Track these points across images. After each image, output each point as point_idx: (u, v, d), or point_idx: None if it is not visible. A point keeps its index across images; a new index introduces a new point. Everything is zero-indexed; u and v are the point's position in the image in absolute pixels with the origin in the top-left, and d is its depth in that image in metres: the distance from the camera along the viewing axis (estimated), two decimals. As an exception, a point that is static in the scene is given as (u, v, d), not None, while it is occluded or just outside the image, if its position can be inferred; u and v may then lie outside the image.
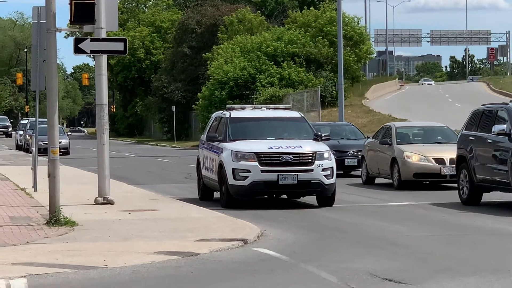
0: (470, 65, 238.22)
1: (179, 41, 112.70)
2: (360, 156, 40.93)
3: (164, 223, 23.53)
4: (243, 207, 28.07)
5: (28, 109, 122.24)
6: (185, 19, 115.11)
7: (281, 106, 35.63)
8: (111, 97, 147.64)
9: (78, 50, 25.43)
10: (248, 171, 28.14)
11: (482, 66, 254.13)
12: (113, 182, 31.30)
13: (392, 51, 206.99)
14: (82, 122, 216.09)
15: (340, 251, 19.52)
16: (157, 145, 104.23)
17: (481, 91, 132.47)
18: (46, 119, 26.38)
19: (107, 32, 28.70)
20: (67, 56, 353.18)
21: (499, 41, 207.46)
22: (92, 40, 26.18)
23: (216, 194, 30.79)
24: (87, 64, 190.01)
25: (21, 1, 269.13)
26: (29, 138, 71.07)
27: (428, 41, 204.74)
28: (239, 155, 28.46)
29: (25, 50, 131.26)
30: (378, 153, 37.65)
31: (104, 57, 29.29)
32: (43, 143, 41.65)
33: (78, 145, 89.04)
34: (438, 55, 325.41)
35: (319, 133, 30.60)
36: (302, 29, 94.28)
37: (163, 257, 18.32)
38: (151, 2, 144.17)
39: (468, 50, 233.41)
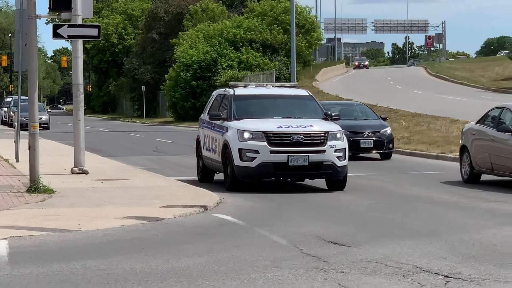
0: (410, 51, 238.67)
1: (149, 28, 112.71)
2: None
3: (133, 191, 23.50)
4: (247, 190, 24.53)
5: (12, 88, 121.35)
6: (154, 8, 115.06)
7: (287, 84, 29.95)
8: (87, 78, 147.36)
9: (56, 35, 25.33)
10: (256, 151, 24.07)
11: (420, 52, 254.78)
12: (88, 154, 31.22)
13: (340, 38, 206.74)
14: (61, 100, 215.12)
15: (291, 218, 19.52)
16: (128, 121, 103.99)
17: (419, 74, 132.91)
18: (27, 97, 26.23)
19: (83, 19, 28.63)
20: (48, 41, 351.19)
21: (435, 30, 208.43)
22: (69, 26, 26.07)
23: (217, 176, 27.04)
24: (66, 48, 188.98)
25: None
26: (12, 114, 70.88)
27: (372, 30, 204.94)
28: (246, 134, 24.34)
29: (9, 35, 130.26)
30: (494, 143, 25.93)
31: (80, 42, 29.28)
32: (25, 119, 41.32)
33: (57, 121, 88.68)
34: (382, 42, 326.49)
35: (329, 112, 26.75)
36: (259, 17, 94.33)
37: (131, 222, 18.30)
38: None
39: (408, 38, 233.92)
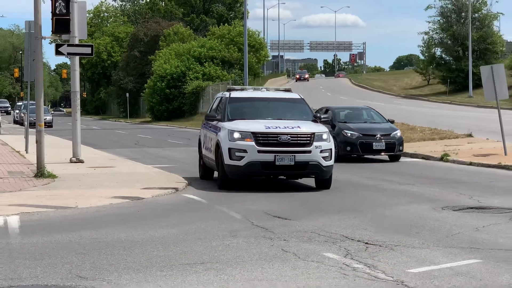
0: (337, 66, 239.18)
1: (132, 47, 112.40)
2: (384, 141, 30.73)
3: (119, 176, 23.40)
4: (239, 188, 21.05)
5: (23, 95, 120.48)
6: (136, 31, 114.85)
7: (282, 87, 25.46)
8: (82, 86, 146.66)
9: (58, 53, 25.22)
10: (245, 151, 20.68)
11: (346, 67, 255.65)
12: (83, 147, 31.06)
13: (282, 55, 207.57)
14: (62, 104, 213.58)
15: (245, 198, 19.51)
16: (115, 121, 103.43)
17: (345, 84, 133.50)
18: (35, 102, 26.10)
19: (79, 40, 28.55)
20: (51, 57, 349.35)
21: (358, 49, 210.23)
22: (68, 45, 25.95)
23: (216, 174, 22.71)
24: (66, 63, 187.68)
25: (17, 16, 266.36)
26: (23, 115, 70.37)
27: (308, 49, 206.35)
28: (236, 134, 20.91)
29: (20, 52, 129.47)
30: None
31: (77, 58, 29.19)
32: (33, 119, 41.01)
33: (59, 121, 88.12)
34: (315, 59, 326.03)
35: (318, 115, 23.31)
36: (219, 39, 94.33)
37: (118, 200, 18.24)
38: (111, 19, 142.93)
39: (336, 55, 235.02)
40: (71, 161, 28.42)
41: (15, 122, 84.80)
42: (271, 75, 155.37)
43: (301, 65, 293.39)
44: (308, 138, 20.88)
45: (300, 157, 20.68)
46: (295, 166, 20.73)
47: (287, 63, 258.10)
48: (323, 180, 21.41)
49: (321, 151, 20.83)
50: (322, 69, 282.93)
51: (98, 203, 17.96)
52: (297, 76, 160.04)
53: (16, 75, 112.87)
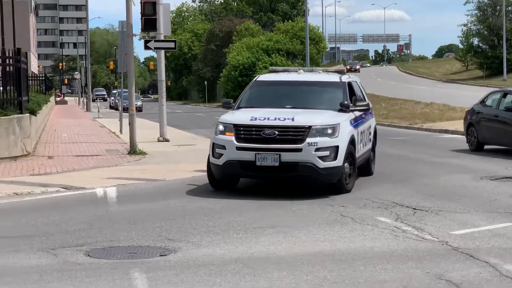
0: (387, 55, 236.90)
1: (209, 41, 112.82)
2: None
3: (199, 153, 23.49)
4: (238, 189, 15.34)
5: (117, 84, 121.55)
6: (212, 28, 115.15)
7: (333, 68, 19.00)
8: (167, 76, 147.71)
9: (146, 47, 25.36)
10: (223, 147, 14.84)
11: (394, 56, 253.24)
12: (168, 128, 31.27)
13: (339, 47, 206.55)
14: (150, 92, 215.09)
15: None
16: (195, 105, 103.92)
17: (393, 71, 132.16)
18: (127, 90, 26.33)
19: (164, 36, 28.68)
20: (140, 51, 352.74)
21: (404, 40, 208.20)
22: (155, 41, 26.07)
23: None
24: (153, 56, 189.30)
25: (112, 17, 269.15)
26: (117, 101, 71.10)
27: (361, 41, 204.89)
28: (220, 127, 15.18)
29: (114, 47, 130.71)
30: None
31: (163, 52, 29.40)
32: (126, 105, 41.38)
33: (147, 106, 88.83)
34: (367, 49, 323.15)
35: (346, 102, 15.84)
36: (284, 33, 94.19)
37: (199, 174, 18.29)
38: (191, 18, 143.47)
39: (386, 46, 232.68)
40: (158, 140, 28.65)
41: (111, 107, 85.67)
42: (329, 64, 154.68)
43: (354, 55, 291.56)
44: (300, 133, 14.48)
45: (287, 156, 14.35)
46: (281, 168, 14.38)
47: (342, 53, 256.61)
48: (333, 185, 14.90)
49: (317, 149, 14.41)
50: (373, 58, 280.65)
51: (182, 175, 18.07)
52: (347, 67, 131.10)
53: (111, 67, 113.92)
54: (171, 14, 59.90)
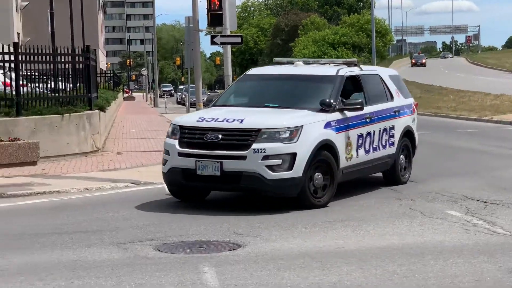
0: (455, 47, 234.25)
1: (274, 36, 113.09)
2: None
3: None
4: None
5: (183, 79, 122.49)
6: (278, 22, 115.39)
7: (342, 60, 15.49)
8: (233, 70, 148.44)
9: (213, 43, 25.49)
10: (168, 152, 12.97)
11: (462, 47, 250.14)
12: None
13: (405, 39, 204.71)
14: (216, 86, 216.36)
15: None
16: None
17: (462, 62, 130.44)
18: (194, 85, 26.51)
19: (230, 31, 28.78)
20: (206, 46, 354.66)
21: (473, 31, 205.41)
22: (221, 36, 26.21)
23: None
24: (219, 51, 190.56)
25: (178, 13, 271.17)
26: (184, 96, 71.66)
27: (428, 32, 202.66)
28: (170, 129, 13.22)
29: (181, 43, 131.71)
30: None
31: (229, 47, 29.42)
32: (193, 100, 41.76)
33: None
34: (435, 41, 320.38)
35: (327, 101, 13.24)
36: (350, 27, 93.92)
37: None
38: (257, 13, 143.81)
39: (454, 38, 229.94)
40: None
41: (178, 102, 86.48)
42: (396, 57, 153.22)
43: (421, 48, 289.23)
44: (246, 137, 12.25)
45: (230, 165, 12.19)
46: (222, 178, 12.27)
47: (409, 46, 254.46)
48: (299, 199, 12.57)
49: (265, 157, 12.08)
50: (441, 50, 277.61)
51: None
52: (413, 61, 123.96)
53: (178, 63, 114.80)
54: (236, 9, 60.14)
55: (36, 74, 21.65)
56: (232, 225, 11.29)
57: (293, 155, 12.29)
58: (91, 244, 10.11)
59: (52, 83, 22.54)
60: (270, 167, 12.15)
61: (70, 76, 23.42)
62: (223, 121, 12.61)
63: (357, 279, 8.19)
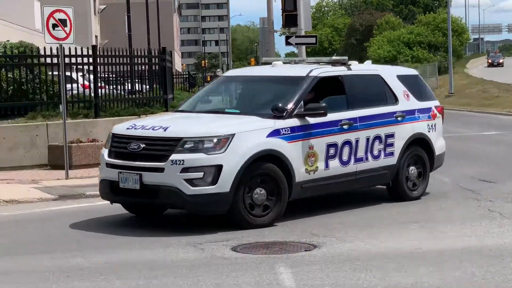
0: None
1: (349, 36, 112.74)
2: None
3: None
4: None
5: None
6: (352, 22, 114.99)
7: (334, 58, 13.47)
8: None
9: (288, 43, 25.64)
10: (99, 162, 12.03)
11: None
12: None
13: (482, 37, 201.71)
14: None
15: (455, 164, 19.07)
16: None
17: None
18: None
19: (304, 31, 28.80)
20: (281, 47, 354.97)
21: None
22: (296, 36, 26.25)
23: None
24: (293, 51, 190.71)
25: (252, 14, 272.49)
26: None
27: (506, 30, 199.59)
28: (107, 137, 12.14)
29: (255, 44, 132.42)
30: None
31: (303, 47, 29.45)
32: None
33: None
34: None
35: (279, 105, 11.54)
36: (425, 26, 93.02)
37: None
38: (331, 13, 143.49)
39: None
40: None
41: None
42: (473, 55, 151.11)
43: (499, 46, 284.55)
44: (166, 147, 10.89)
45: (149, 178, 10.87)
46: (142, 192, 10.97)
47: (486, 44, 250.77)
48: (230, 218, 11.10)
49: (184, 170, 10.64)
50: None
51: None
52: (489, 61, 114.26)
53: (252, 63, 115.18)
54: (311, 10, 60.46)
55: (113, 76, 22.00)
56: (308, 225, 11.28)
57: (218, 168, 10.71)
58: (169, 244, 10.21)
59: (129, 84, 22.88)
60: (190, 181, 10.65)
61: (147, 77, 23.73)
62: (149, 128, 11.31)
63: (435, 281, 8.10)
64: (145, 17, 46.63)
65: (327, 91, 12.69)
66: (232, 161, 10.77)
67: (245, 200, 11.03)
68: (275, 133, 11.34)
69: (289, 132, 11.51)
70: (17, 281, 8.51)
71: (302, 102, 11.80)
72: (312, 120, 11.81)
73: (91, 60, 20.59)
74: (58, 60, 18.63)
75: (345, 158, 12.30)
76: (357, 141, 12.47)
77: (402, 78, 13.83)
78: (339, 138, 12.22)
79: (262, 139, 11.16)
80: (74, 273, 8.78)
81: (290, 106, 11.67)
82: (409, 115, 13.50)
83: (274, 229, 11.05)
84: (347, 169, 12.35)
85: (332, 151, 12.09)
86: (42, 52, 20.07)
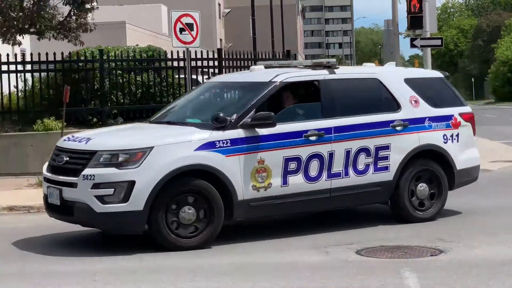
0: None
1: (475, 37, 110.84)
2: None
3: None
4: None
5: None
6: (479, 23, 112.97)
7: (325, 60, 11.84)
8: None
9: (413, 46, 25.43)
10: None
11: None
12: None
13: None
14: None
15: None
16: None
17: None
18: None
19: (430, 33, 28.45)
20: (405, 49, 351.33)
21: None
22: (421, 38, 25.98)
23: None
24: (417, 54, 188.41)
25: (376, 16, 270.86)
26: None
27: None
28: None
29: (379, 46, 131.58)
30: None
31: (429, 49, 29.09)
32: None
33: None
34: None
35: (221, 115, 10.26)
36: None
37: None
38: (457, 14, 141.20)
39: None
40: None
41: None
42: None
43: None
44: (82, 161, 10.13)
45: (67, 193, 10.15)
46: (62, 208, 10.25)
47: None
48: (151, 238, 10.15)
49: (95, 185, 9.83)
50: None
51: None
52: None
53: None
54: (436, 11, 59.57)
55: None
56: (434, 230, 11.14)
57: (131, 184, 9.74)
58: (291, 247, 10.26)
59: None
60: (100, 198, 9.77)
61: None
62: (75, 140, 10.54)
63: None
64: (269, 20, 47.01)
65: (296, 98, 11.42)
66: (146, 177, 9.77)
67: (168, 219, 9.94)
68: (208, 146, 10.13)
69: (228, 144, 10.24)
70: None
71: (253, 112, 10.47)
72: (263, 131, 10.45)
73: (216, 63, 20.91)
74: (184, 63, 19.02)
75: (313, 173, 10.79)
76: (330, 154, 10.91)
77: (412, 82, 12.07)
78: (303, 151, 10.71)
79: (189, 152, 10.02)
80: (200, 273, 8.93)
81: (235, 116, 10.40)
82: (415, 124, 11.72)
83: (399, 233, 10.96)
84: (316, 186, 10.84)
85: (293, 165, 10.64)
86: (169, 56, 20.52)
